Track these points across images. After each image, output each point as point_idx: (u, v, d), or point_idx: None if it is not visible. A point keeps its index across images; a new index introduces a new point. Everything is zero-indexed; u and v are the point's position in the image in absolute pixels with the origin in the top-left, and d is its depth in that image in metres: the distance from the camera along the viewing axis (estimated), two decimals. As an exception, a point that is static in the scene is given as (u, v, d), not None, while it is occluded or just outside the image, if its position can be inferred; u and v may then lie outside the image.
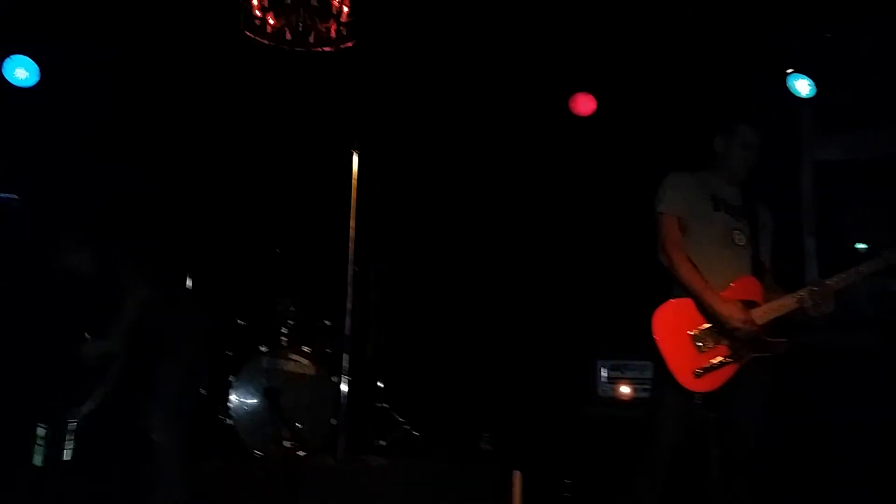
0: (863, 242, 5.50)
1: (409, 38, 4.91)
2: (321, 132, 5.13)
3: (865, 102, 5.47)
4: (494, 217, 5.44)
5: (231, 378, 4.68)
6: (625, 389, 4.73)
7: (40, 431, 4.06)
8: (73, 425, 4.15)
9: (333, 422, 4.71)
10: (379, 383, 5.00)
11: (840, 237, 5.61)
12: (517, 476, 4.13)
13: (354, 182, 3.80)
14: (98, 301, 3.64)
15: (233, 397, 4.66)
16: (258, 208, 5.38)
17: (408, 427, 4.99)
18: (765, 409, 3.25)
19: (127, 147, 3.95)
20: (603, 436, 4.50)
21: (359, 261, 3.92)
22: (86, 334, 3.52)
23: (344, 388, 3.92)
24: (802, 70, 4.98)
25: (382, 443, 4.87)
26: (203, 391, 4.77)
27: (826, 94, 5.17)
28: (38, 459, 4.06)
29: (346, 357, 3.85)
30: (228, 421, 4.62)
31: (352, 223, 3.77)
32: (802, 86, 5.01)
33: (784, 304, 3.19)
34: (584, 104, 5.36)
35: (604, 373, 4.73)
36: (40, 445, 4.05)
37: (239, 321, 5.01)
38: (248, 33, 3.88)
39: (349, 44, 4.03)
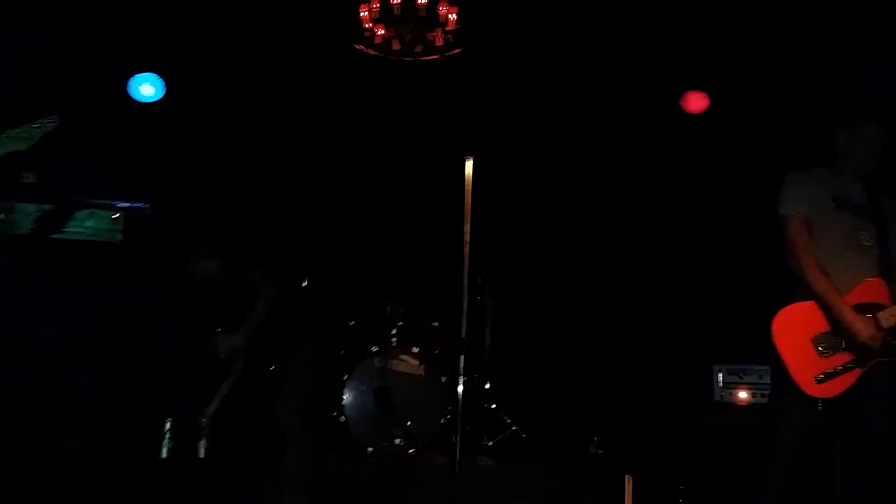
0: None
1: (519, 42, 4.91)
2: (436, 138, 5.20)
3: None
4: (609, 219, 5.37)
5: (344, 377, 4.81)
6: (742, 395, 4.59)
7: (167, 425, 4.30)
8: (203, 422, 4.40)
9: (443, 421, 4.79)
10: (487, 385, 5.03)
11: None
12: (628, 481, 4.09)
13: (469, 186, 3.82)
14: (224, 303, 3.84)
15: (346, 395, 4.79)
16: (372, 212, 5.51)
17: (516, 429, 5.00)
18: (894, 415, 3.08)
19: (248, 155, 4.13)
20: (719, 442, 4.39)
21: (472, 264, 3.96)
22: (217, 330, 3.72)
23: (460, 388, 3.97)
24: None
25: (490, 443, 4.91)
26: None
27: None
28: (164, 452, 4.31)
29: (462, 358, 3.89)
30: (342, 418, 4.75)
31: (466, 227, 3.80)
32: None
33: None
34: (697, 102, 5.24)
35: (720, 377, 4.60)
36: (167, 439, 4.29)
37: (351, 322, 5.15)
38: (357, 46, 3.99)
39: (456, 51, 4.08)
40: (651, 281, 5.26)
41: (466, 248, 3.78)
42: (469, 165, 3.88)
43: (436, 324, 5.25)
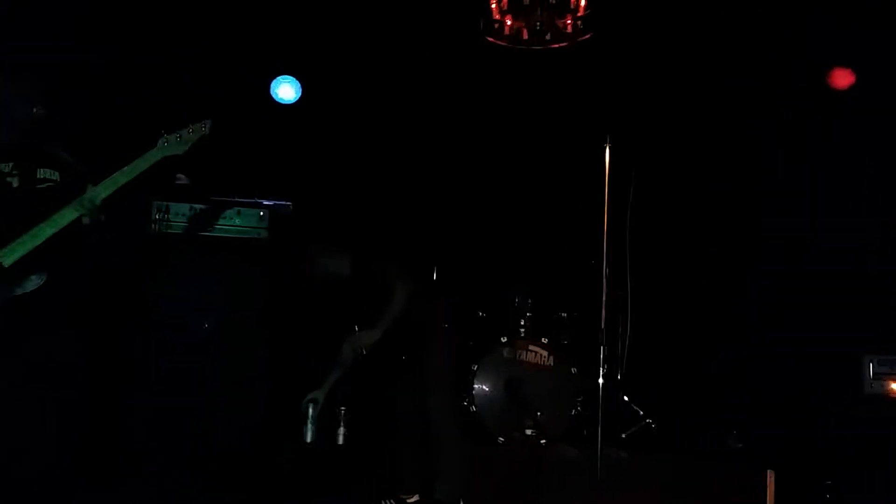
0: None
1: (650, 25, 4.82)
2: (573, 127, 5.18)
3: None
4: (750, 206, 5.20)
5: (474, 367, 4.89)
6: (895, 386, 4.37)
7: (310, 411, 4.50)
8: (342, 410, 4.60)
9: (574, 413, 4.79)
10: (619, 376, 4.99)
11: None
12: (770, 476, 3.96)
13: (607, 176, 3.77)
14: (357, 299, 3.98)
15: (476, 386, 4.87)
16: (502, 204, 5.55)
17: (649, 421, 4.94)
18: None
19: (381, 151, 4.27)
20: (870, 436, 4.19)
21: (605, 254, 3.91)
22: (355, 327, 3.86)
23: (600, 381, 3.94)
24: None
25: (623, 436, 4.87)
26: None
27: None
28: (308, 436, 4.52)
29: (602, 349, 3.86)
30: (473, 408, 4.83)
31: (605, 217, 3.76)
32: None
33: None
34: (843, 77, 5.01)
35: (871, 368, 4.40)
36: (310, 424, 4.49)
37: (480, 313, 5.23)
38: (488, 38, 4.02)
39: (586, 37, 4.04)
40: (797, 269, 5.05)
41: (605, 238, 3.73)
42: (607, 153, 3.82)
43: (564, 315, 5.26)
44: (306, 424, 4.51)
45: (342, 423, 4.60)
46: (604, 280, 3.81)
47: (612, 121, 4.22)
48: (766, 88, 5.06)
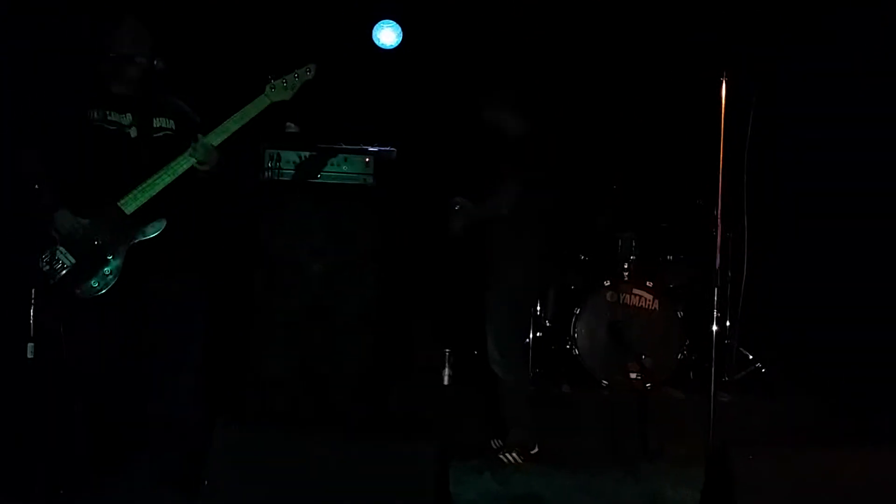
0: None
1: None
2: (686, 59, 4.97)
3: None
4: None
5: (576, 310, 4.87)
6: None
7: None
8: (447, 352, 4.71)
9: (680, 357, 4.72)
10: (728, 322, 4.86)
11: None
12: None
13: (723, 111, 3.56)
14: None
15: (577, 329, 4.85)
16: (608, 142, 5.43)
17: (759, 365, 4.82)
18: None
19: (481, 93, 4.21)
20: None
21: (720, 195, 3.73)
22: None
23: (715, 327, 3.83)
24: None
25: (727, 379, 4.77)
26: (548, 322, 5.05)
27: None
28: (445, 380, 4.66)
29: (716, 292, 3.73)
30: (576, 351, 4.83)
31: (721, 155, 3.57)
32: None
33: None
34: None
35: None
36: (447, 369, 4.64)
37: (582, 256, 5.18)
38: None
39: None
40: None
41: (720, 179, 3.55)
42: (724, 87, 3.60)
43: (670, 257, 5.14)
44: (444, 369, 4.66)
45: (448, 365, 4.71)
46: (718, 221, 3.64)
47: (729, 54, 4.00)
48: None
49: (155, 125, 3.36)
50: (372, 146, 4.52)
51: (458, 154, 5.02)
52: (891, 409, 4.07)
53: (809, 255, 5.03)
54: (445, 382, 4.73)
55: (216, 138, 3.26)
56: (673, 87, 5.17)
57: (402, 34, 5.21)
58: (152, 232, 3.25)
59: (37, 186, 3.19)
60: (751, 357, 4.86)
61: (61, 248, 3.15)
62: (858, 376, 4.44)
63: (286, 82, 3.31)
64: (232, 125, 3.28)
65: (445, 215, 4.00)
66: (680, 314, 4.78)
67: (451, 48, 5.19)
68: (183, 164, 3.24)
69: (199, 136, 3.24)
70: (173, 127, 3.40)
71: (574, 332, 4.83)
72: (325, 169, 4.45)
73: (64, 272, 3.14)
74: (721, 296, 3.77)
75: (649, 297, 4.84)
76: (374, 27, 5.21)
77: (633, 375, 4.73)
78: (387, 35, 5.20)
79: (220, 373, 3.95)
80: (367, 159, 4.45)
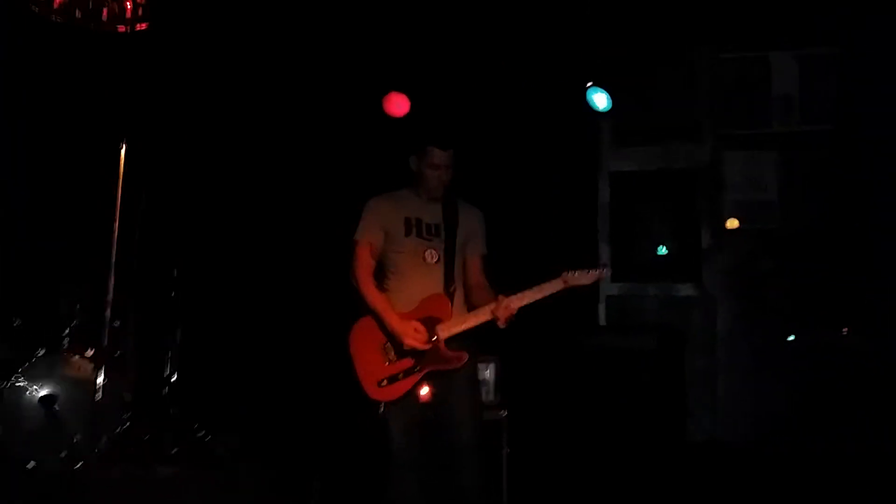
0: (663, 245, 5.92)
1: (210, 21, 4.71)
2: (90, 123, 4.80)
3: (657, 117, 5.89)
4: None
5: (4, 384, 4.25)
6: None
7: None
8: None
9: (119, 430, 4.40)
10: (166, 389, 4.70)
11: (631, 243, 6.00)
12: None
13: (121, 176, 3.54)
14: None
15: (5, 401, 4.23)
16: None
17: (204, 433, 4.75)
18: (474, 406, 3.50)
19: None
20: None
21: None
22: None
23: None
24: (600, 84, 5.23)
25: (175, 451, 4.60)
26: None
27: (621, 108, 5.49)
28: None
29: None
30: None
31: (116, 218, 3.52)
32: (600, 99, 5.28)
33: (468, 319, 3.44)
34: (398, 105, 5.34)
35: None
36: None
37: (15, 320, 4.56)
38: (33, 6, 3.56)
39: (144, 25, 3.80)
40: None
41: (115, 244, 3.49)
42: (123, 151, 3.61)
43: (117, 323, 4.81)
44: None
45: None
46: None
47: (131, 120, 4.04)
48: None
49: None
50: None
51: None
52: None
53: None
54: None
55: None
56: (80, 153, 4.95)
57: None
58: None
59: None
60: (196, 426, 4.77)
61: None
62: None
63: None
64: None
65: None
66: (120, 384, 4.47)
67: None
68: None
69: None
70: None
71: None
72: None
73: None
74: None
75: (85, 365, 4.44)
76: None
77: (63, 455, 4.25)
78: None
79: None
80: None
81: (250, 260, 5.39)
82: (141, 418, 4.53)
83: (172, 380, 4.68)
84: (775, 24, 5.38)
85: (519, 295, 3.38)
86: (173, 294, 4.63)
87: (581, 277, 3.41)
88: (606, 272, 3.50)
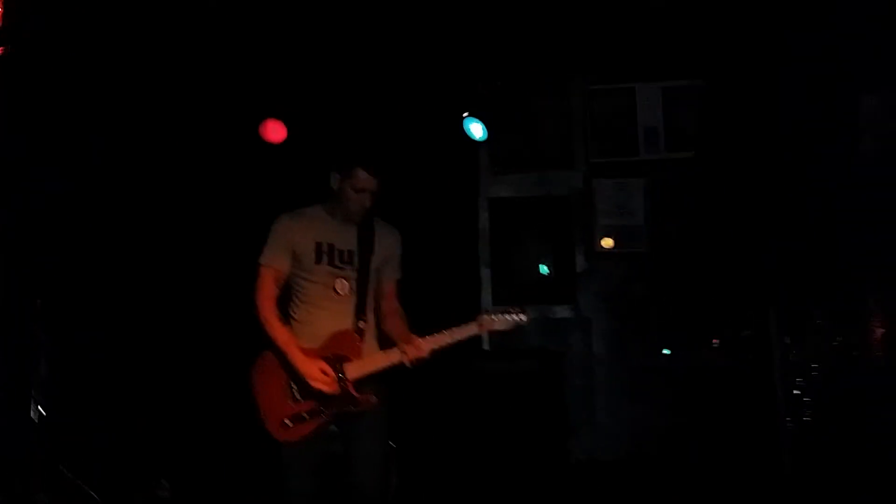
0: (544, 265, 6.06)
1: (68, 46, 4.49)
2: None
3: (533, 145, 6.08)
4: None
5: None
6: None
7: None
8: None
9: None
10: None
11: (511, 267, 6.13)
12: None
13: None
14: None
15: None
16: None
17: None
18: (384, 440, 3.33)
19: None
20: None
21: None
22: None
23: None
24: (476, 115, 5.36)
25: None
26: None
27: (499, 137, 5.65)
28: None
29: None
30: None
31: None
32: (477, 129, 5.40)
33: (378, 360, 3.25)
34: (276, 132, 5.26)
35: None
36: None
37: None
38: None
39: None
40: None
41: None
42: None
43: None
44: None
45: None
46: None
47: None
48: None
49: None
50: None
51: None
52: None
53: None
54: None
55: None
56: None
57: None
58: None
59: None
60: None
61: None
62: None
63: None
64: None
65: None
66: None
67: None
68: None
69: None
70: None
71: None
72: None
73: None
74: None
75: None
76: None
77: None
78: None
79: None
80: None
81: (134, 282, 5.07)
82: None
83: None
84: (641, 57, 5.68)
85: (432, 337, 3.20)
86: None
87: (497, 323, 3.27)
88: (525, 318, 3.32)
